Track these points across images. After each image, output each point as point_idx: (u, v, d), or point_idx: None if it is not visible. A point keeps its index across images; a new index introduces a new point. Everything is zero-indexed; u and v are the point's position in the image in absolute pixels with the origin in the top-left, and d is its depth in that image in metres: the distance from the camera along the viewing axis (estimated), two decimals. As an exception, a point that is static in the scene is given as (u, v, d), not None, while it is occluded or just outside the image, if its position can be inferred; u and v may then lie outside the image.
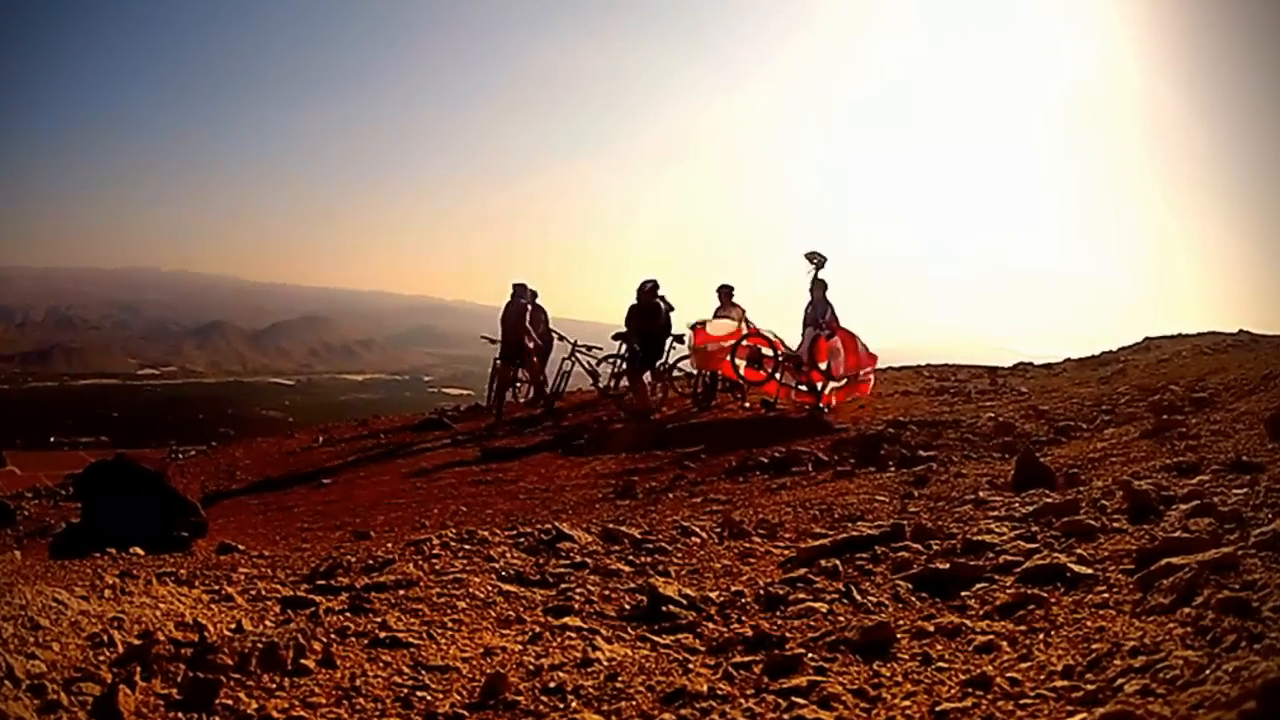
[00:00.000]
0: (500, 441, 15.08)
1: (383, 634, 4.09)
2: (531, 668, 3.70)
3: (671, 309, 16.92)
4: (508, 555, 5.68)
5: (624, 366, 17.27)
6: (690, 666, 3.64)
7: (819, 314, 15.31)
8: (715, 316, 17.15)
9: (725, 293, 17.58)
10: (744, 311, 17.14)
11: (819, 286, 15.53)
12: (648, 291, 16.65)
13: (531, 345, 17.54)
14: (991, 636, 3.46)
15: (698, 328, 16.33)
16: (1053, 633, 3.38)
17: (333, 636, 4.07)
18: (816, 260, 15.78)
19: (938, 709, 2.89)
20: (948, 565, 4.42)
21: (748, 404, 16.26)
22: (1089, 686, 2.76)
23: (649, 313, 16.60)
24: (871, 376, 15.25)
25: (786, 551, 5.61)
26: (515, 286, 17.64)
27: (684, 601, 4.45)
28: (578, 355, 17.73)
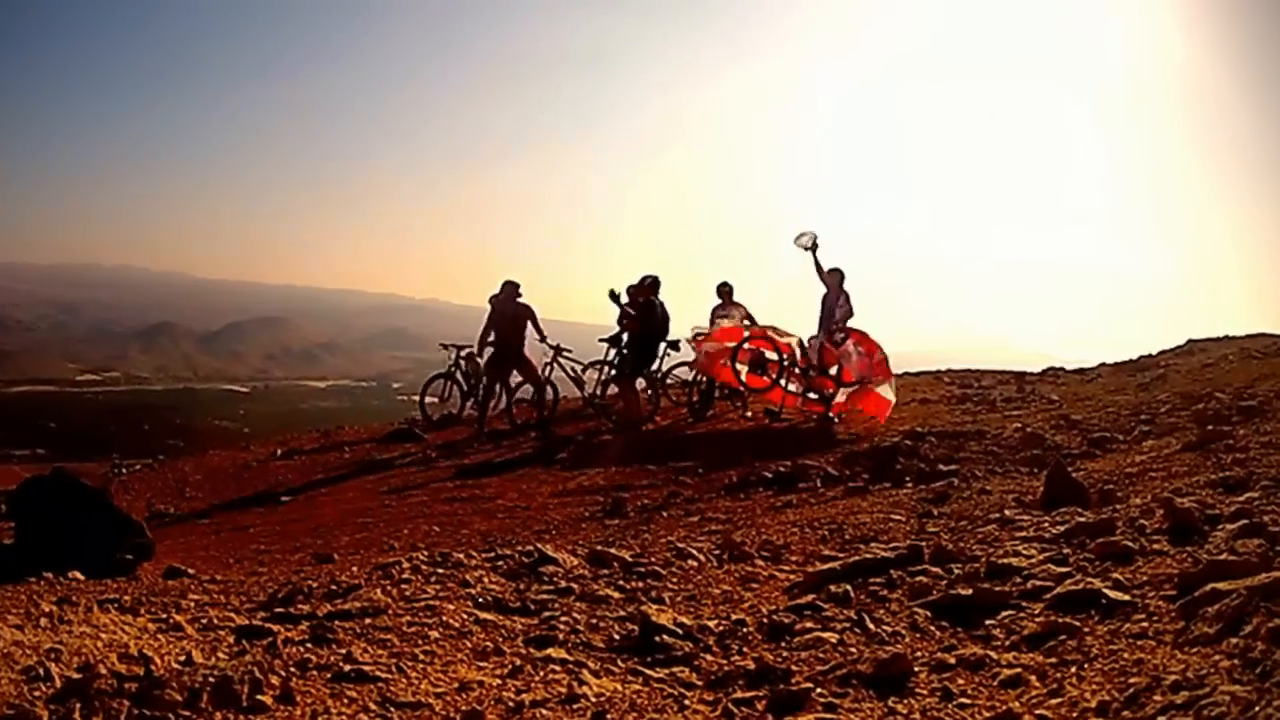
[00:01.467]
0: (478, 454, 15.08)
1: (347, 667, 4.07)
2: (511, 704, 3.69)
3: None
4: (485, 580, 5.67)
5: (612, 373, 17.21)
6: (686, 703, 3.63)
7: (834, 306, 15.19)
8: (714, 317, 17.13)
9: (725, 291, 17.57)
10: (746, 311, 17.11)
11: (835, 276, 15.39)
12: (646, 288, 16.48)
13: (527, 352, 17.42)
14: (1019, 669, 3.46)
15: (699, 338, 16.32)
16: (1086, 665, 3.38)
17: (292, 670, 4.05)
18: (805, 243, 15.52)
19: (960, 749, 2.89)
20: (970, 591, 4.42)
21: (749, 413, 16.26)
22: (1126, 725, 2.76)
23: (645, 312, 16.45)
24: (890, 394, 14.99)
25: (792, 576, 5.61)
26: (509, 284, 17.56)
27: (679, 631, 4.44)
28: (560, 360, 17.69)
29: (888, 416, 14.01)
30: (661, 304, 16.58)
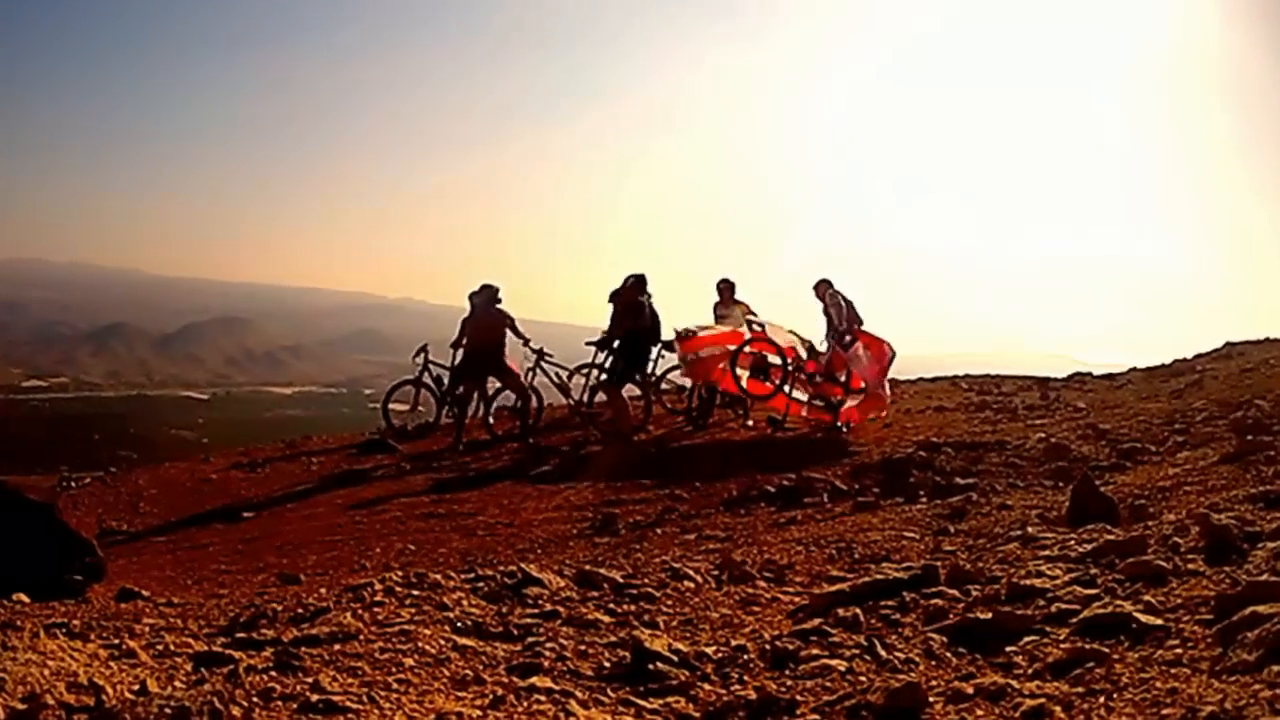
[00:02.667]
0: (456, 467, 15.06)
1: (315, 697, 4.06)
2: (493, 738, 3.68)
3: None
4: (464, 603, 5.66)
5: (601, 378, 17.17)
6: (683, 736, 3.63)
7: (838, 317, 15.31)
8: (715, 316, 17.10)
9: (725, 288, 17.55)
10: (748, 309, 17.09)
11: (822, 287, 15.62)
12: (631, 288, 16.43)
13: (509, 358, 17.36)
14: (1042, 700, 3.45)
15: (686, 339, 16.19)
16: (1115, 695, 3.38)
17: (255, 700, 4.04)
18: (820, 290, 15.90)
19: (979, 786, 2.89)
20: (990, 615, 4.42)
21: (751, 422, 16.26)
22: (1159, 759, 2.76)
23: (633, 313, 16.38)
24: (886, 387, 15.17)
25: (797, 598, 5.61)
26: (487, 289, 17.54)
27: (675, 658, 4.44)
28: (543, 365, 17.66)
29: (898, 420, 14.06)
30: (650, 304, 16.50)
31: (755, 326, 16.17)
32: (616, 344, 16.50)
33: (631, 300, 16.34)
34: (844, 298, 15.64)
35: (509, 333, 16.74)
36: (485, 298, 17.07)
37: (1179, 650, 3.64)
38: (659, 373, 17.64)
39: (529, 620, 5.27)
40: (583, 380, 17.77)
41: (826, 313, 15.69)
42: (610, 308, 16.41)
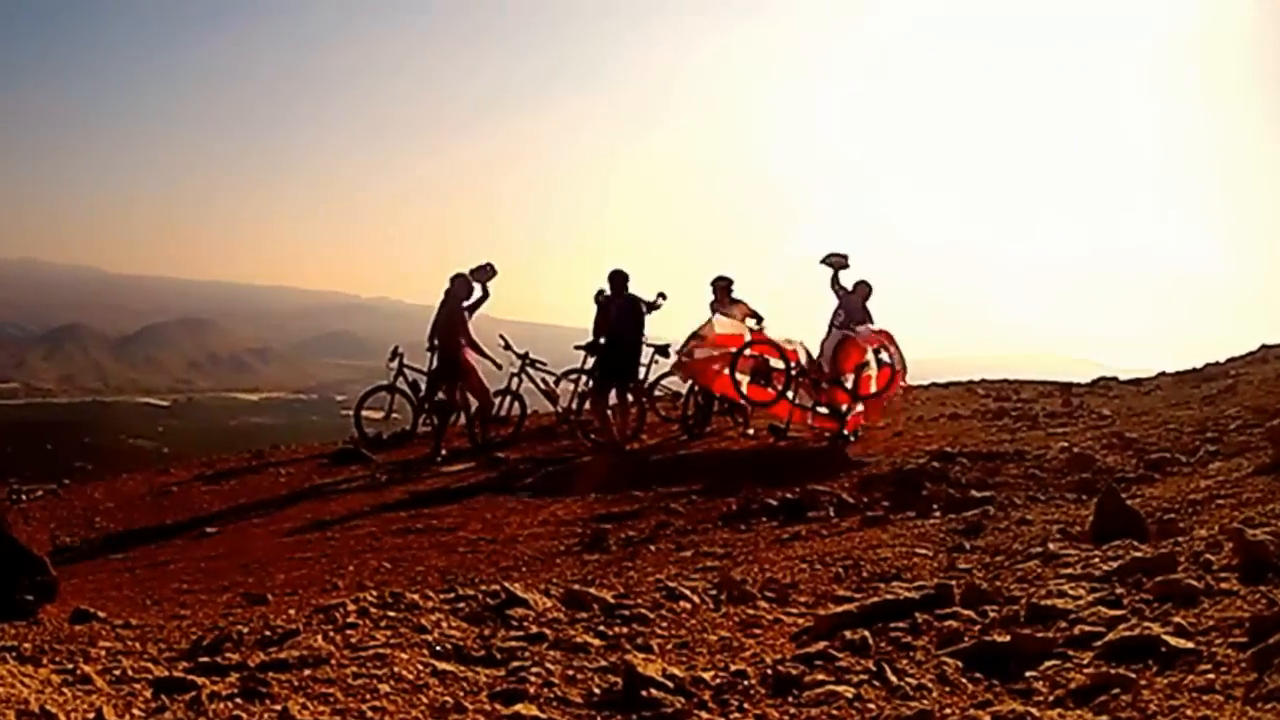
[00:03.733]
0: (435, 478, 15.06)
1: (283, 727, 4.06)
2: (474, 770, 3.68)
3: (655, 306, 16.70)
4: (444, 625, 5.65)
5: (589, 384, 17.15)
6: (679, 768, 3.63)
7: (853, 323, 15.33)
8: (712, 313, 17.07)
9: (722, 287, 17.54)
10: (748, 309, 17.08)
11: (860, 292, 15.59)
12: (618, 286, 16.41)
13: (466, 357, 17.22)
14: (1065, 729, 3.46)
15: (694, 341, 16.06)
16: (1143, 724, 3.38)
17: (218, 730, 4.04)
18: (837, 264, 15.80)
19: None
20: (1008, 637, 4.42)
21: (751, 430, 16.26)
22: (1189, 793, 2.76)
23: (621, 314, 16.31)
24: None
25: (801, 620, 5.61)
26: (457, 279, 17.47)
27: (670, 684, 4.43)
28: (529, 371, 17.64)
29: (910, 428, 14.06)
30: (635, 303, 16.43)
31: (756, 328, 16.13)
32: (603, 347, 16.39)
33: (619, 298, 16.36)
34: (869, 312, 15.72)
35: (467, 324, 16.58)
36: (453, 291, 17.02)
37: (1211, 676, 3.64)
38: (652, 378, 17.65)
39: (513, 643, 5.26)
40: (572, 386, 17.76)
41: (840, 314, 15.70)
42: (597, 310, 16.42)
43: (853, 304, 15.74)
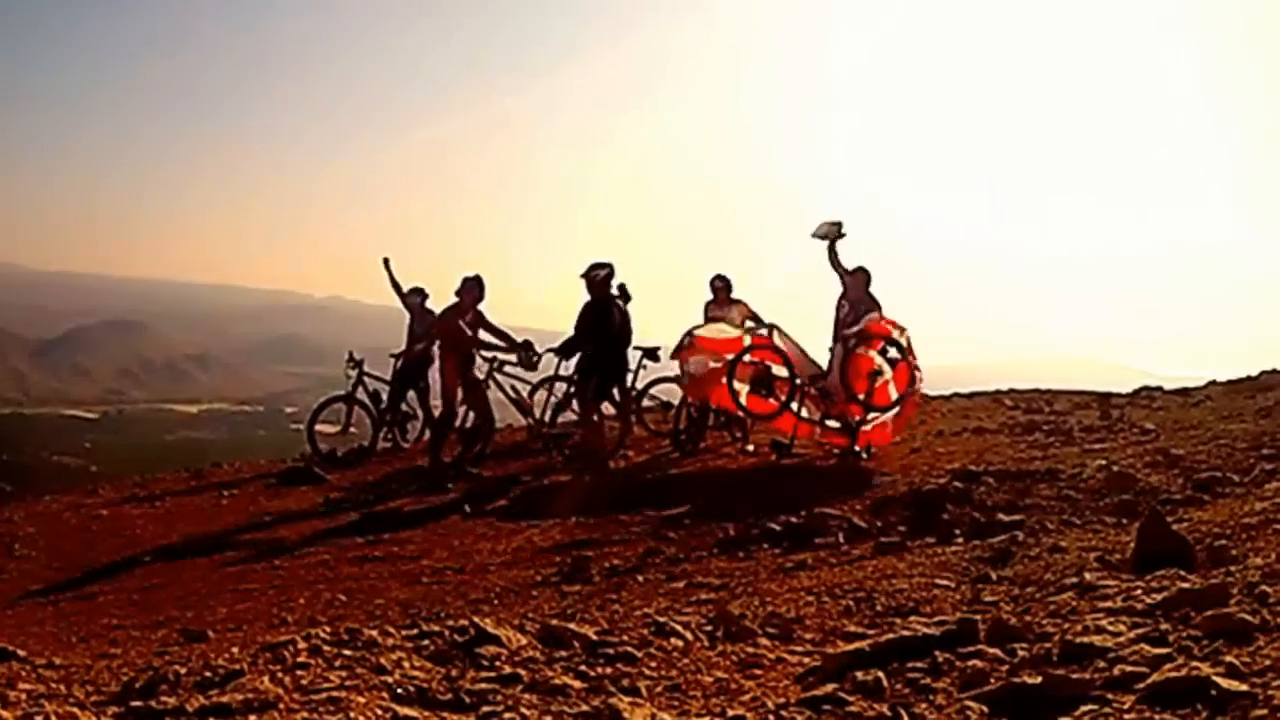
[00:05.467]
0: (396, 499, 15.05)
1: (224, 779, 4.05)
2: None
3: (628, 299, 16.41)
4: (406, 664, 5.64)
5: (568, 393, 17.12)
6: (670, 826, 3.62)
7: (859, 318, 15.23)
8: (706, 319, 17.04)
9: (720, 286, 17.54)
10: (747, 310, 17.06)
11: (859, 279, 15.45)
12: (600, 282, 16.09)
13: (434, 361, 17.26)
14: (1103, 781, 3.46)
15: (688, 346, 15.81)
16: (1190, 776, 3.38)
17: (151, 783, 4.03)
18: (830, 233, 15.60)
19: None
20: (1039, 679, 4.42)
21: (751, 446, 16.25)
22: None
23: (602, 313, 16.08)
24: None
25: (807, 659, 5.61)
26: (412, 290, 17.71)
27: (660, 732, 4.43)
28: (498, 378, 17.61)
29: (929, 443, 14.06)
30: (620, 301, 16.30)
31: (760, 331, 15.97)
32: (583, 353, 16.27)
33: (602, 295, 16.13)
34: (875, 300, 15.62)
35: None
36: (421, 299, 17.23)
37: (1267, 721, 3.64)
38: (639, 386, 17.63)
39: (484, 685, 5.25)
40: (547, 395, 17.72)
41: (843, 306, 15.63)
42: (581, 310, 16.30)
43: (855, 292, 15.61)
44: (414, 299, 19.08)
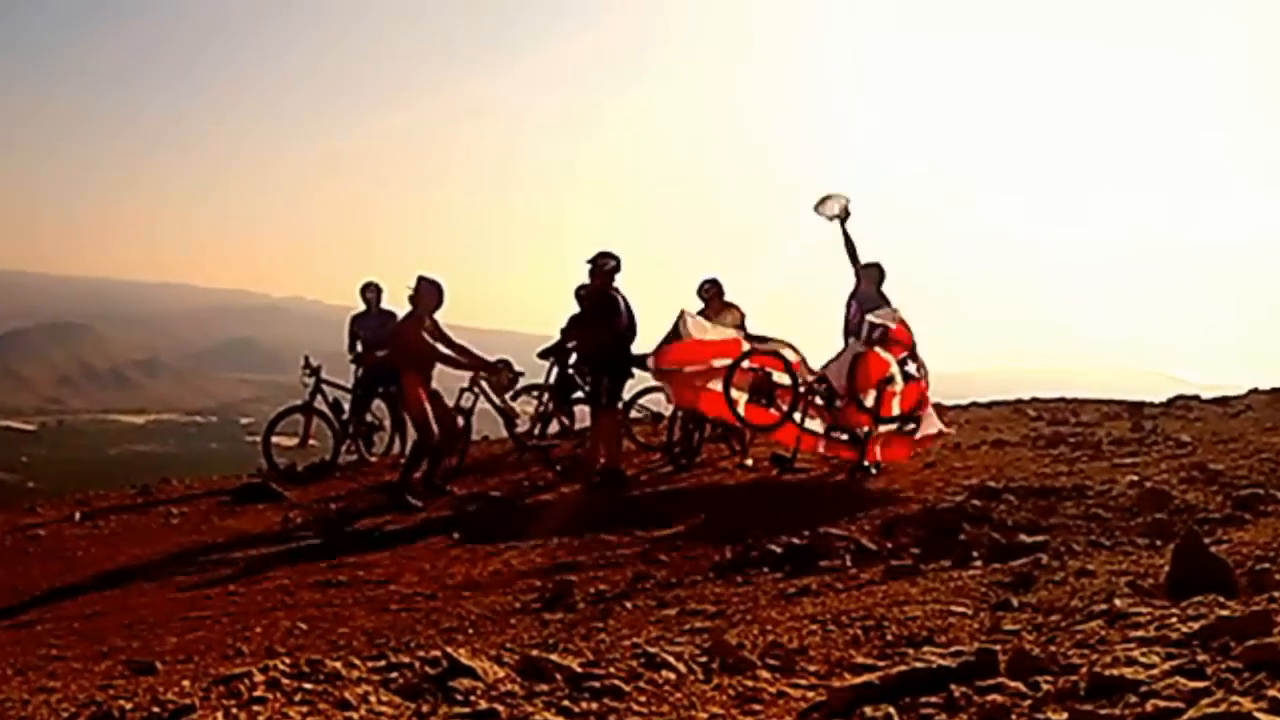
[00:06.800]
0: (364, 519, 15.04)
1: (172, 826, 4.04)
2: None
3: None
4: (373, 699, 5.64)
5: (549, 403, 17.11)
6: None
7: (868, 309, 15.17)
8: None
9: (712, 290, 17.52)
10: (743, 317, 17.05)
11: (871, 275, 15.42)
12: (608, 272, 16.14)
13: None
14: (1135, 828, 3.46)
15: (667, 347, 15.66)
16: (1230, 822, 3.38)
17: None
18: (832, 210, 15.47)
19: None
20: (1065, 715, 4.42)
21: (750, 460, 16.25)
22: None
23: (603, 308, 16.10)
24: (934, 419, 15.05)
25: (811, 694, 5.61)
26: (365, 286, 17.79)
27: (651, 773, 4.43)
28: (481, 385, 17.61)
29: (945, 458, 14.07)
30: (625, 297, 16.21)
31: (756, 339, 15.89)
32: (588, 355, 16.24)
33: (605, 290, 16.13)
34: (887, 299, 15.60)
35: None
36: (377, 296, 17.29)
37: (1314, 761, 3.65)
38: (628, 395, 17.63)
39: (458, 723, 5.25)
40: (535, 404, 17.72)
41: (853, 306, 15.58)
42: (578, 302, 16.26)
43: (865, 289, 15.55)
44: (369, 295, 19.15)
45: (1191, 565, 7.10)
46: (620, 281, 16.06)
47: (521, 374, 17.19)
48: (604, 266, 15.98)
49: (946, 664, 5.39)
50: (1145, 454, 13.83)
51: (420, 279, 16.30)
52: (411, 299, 16.24)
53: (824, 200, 15.34)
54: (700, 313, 17.35)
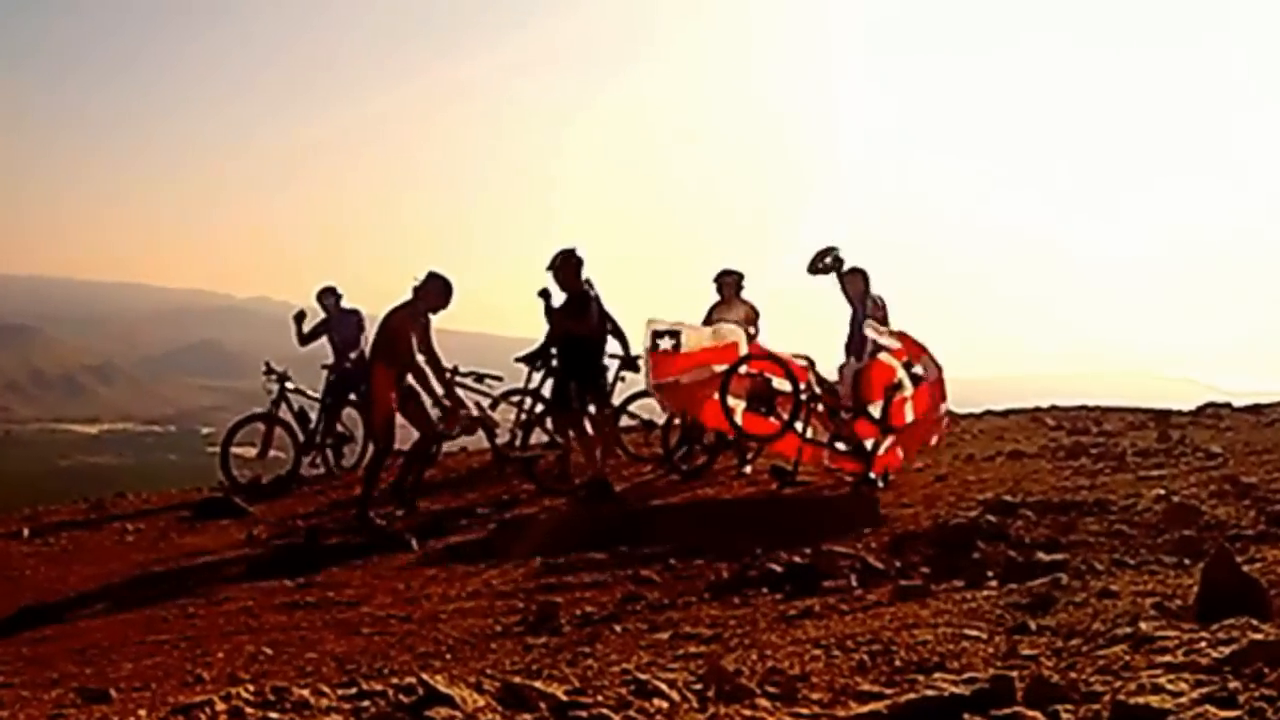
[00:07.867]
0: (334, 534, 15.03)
1: None
2: None
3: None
4: (343, 730, 5.63)
5: (540, 408, 17.11)
6: None
7: (860, 319, 15.21)
8: (711, 318, 16.96)
9: (730, 282, 17.47)
10: (755, 313, 17.02)
11: (856, 280, 15.43)
12: (572, 273, 16.03)
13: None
14: None
15: (663, 356, 15.49)
16: None
17: None
18: (825, 265, 15.58)
19: None
20: (1087, 746, 4.42)
21: (748, 470, 16.23)
22: None
23: (575, 308, 16.03)
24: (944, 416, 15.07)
25: (815, 724, 5.61)
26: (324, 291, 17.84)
27: (642, 809, 4.42)
28: (460, 392, 17.59)
29: (958, 470, 14.08)
30: (596, 295, 16.13)
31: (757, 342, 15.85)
32: (554, 357, 16.24)
33: (574, 289, 16.06)
34: (880, 303, 15.63)
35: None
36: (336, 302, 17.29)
37: (1353, 795, 3.65)
38: (618, 402, 17.61)
39: (434, 755, 5.24)
40: (517, 412, 17.69)
41: (855, 318, 15.62)
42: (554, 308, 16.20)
43: (854, 290, 15.57)
44: (327, 301, 19.15)
45: (1222, 586, 7.09)
46: (595, 281, 15.97)
47: (500, 378, 17.20)
48: (566, 262, 15.90)
49: (959, 692, 5.40)
50: (1173, 466, 13.83)
51: (431, 273, 16.06)
52: (416, 290, 15.95)
53: (816, 259, 15.42)
54: (715, 306, 17.33)
